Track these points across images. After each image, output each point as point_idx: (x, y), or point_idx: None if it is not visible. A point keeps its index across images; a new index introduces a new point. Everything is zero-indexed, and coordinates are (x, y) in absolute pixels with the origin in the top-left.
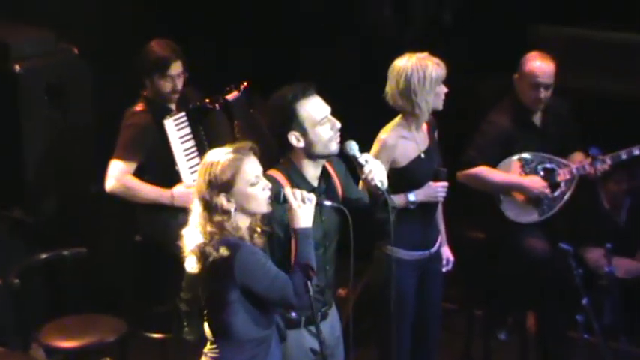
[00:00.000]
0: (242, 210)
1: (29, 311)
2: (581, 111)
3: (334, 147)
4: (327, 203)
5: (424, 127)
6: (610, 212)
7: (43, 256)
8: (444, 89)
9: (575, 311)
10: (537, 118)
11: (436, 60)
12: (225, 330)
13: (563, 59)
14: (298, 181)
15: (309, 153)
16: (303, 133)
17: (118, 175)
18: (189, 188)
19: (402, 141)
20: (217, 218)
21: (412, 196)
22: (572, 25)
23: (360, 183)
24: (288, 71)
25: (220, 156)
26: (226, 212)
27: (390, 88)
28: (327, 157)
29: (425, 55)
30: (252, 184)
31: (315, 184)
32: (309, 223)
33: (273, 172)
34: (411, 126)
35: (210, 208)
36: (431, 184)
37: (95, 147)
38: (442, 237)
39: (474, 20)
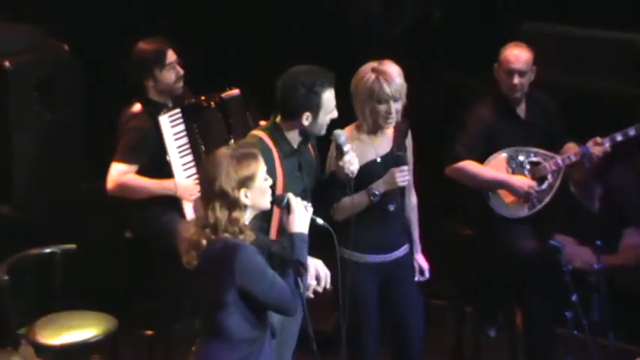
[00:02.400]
0: (253, 205)
1: (18, 309)
2: (568, 108)
3: (323, 132)
4: (320, 221)
5: (389, 132)
6: (584, 203)
7: (33, 252)
8: (382, 109)
9: (564, 308)
10: (521, 110)
11: (389, 74)
12: (220, 330)
13: (552, 57)
14: (282, 143)
15: (303, 129)
16: (315, 116)
17: (118, 176)
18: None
19: (357, 142)
20: (236, 214)
21: (374, 189)
22: (560, 22)
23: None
24: (273, 68)
25: (242, 151)
26: (244, 207)
27: None
28: (313, 136)
29: (379, 64)
30: (265, 179)
31: (296, 147)
32: (306, 229)
33: (259, 132)
34: (368, 129)
35: (230, 202)
36: (391, 169)
37: (86, 144)
38: (416, 245)
39: (462, 18)
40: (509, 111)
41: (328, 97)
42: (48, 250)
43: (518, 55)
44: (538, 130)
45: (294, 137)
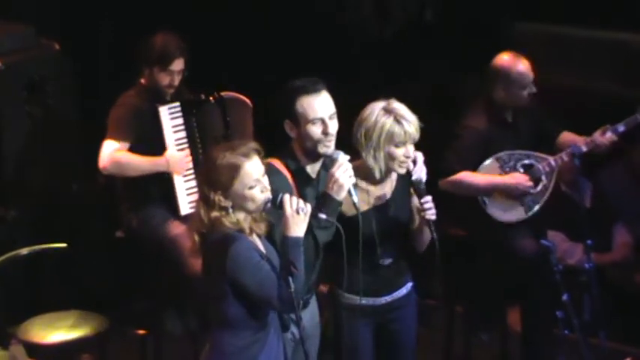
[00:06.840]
0: (240, 207)
1: (9, 308)
2: (558, 108)
3: (322, 149)
4: (322, 216)
5: (393, 176)
6: (575, 199)
7: (24, 252)
8: (400, 152)
9: (555, 308)
10: (509, 115)
11: (403, 115)
12: (222, 318)
13: (541, 57)
14: (297, 170)
15: (303, 146)
16: (297, 125)
17: (110, 153)
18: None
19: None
20: (215, 214)
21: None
22: (549, 22)
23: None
24: (266, 71)
25: (223, 155)
26: (224, 208)
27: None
28: (319, 155)
29: (395, 106)
30: (251, 187)
31: (313, 176)
32: (301, 232)
33: (274, 160)
34: (369, 174)
35: (208, 202)
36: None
37: (77, 143)
38: None
39: (453, 19)
40: (501, 119)
41: (305, 103)
42: (39, 250)
43: (527, 66)
44: (525, 133)
45: (308, 162)
